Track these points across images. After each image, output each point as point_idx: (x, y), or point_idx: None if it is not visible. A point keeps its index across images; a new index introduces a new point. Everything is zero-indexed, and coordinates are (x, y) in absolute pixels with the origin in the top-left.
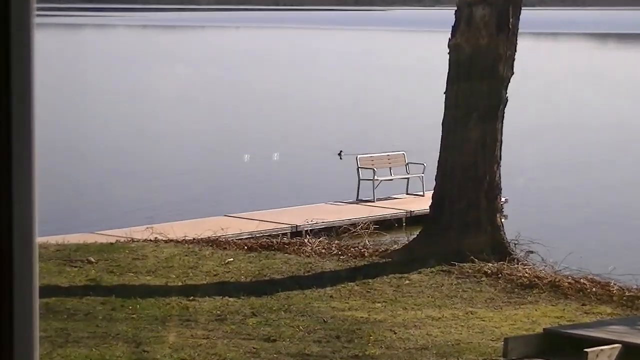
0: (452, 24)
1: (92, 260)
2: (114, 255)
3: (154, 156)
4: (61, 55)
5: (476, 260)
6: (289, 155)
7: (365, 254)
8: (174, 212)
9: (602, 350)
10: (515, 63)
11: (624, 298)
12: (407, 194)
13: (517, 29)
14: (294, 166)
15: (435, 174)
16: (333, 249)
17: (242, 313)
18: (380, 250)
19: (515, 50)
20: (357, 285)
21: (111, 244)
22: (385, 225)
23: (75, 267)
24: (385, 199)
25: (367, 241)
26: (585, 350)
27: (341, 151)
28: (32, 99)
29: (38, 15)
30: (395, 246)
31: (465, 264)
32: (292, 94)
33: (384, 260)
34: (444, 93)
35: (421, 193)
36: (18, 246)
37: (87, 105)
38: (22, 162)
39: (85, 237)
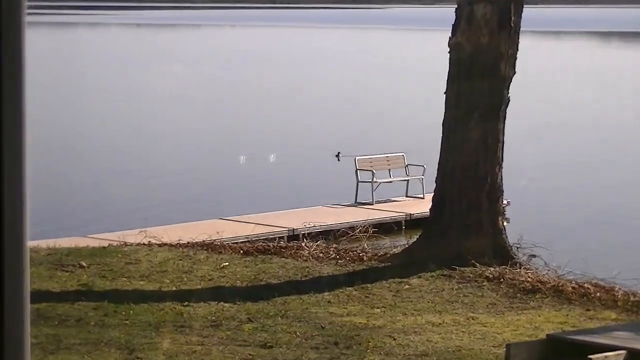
0: (453, 22)
1: (84, 264)
2: (106, 260)
3: (148, 157)
4: (53, 55)
5: (477, 264)
6: (285, 157)
7: (364, 258)
8: (168, 214)
9: (606, 356)
10: (517, 62)
11: (629, 303)
12: (407, 196)
13: (519, 27)
14: (291, 168)
15: (436, 175)
16: (331, 253)
17: (238, 319)
18: (379, 254)
19: (517, 49)
20: (356, 290)
21: (103, 248)
22: (384, 228)
23: (67, 271)
24: (385, 201)
25: (365, 245)
26: (590, 356)
27: (339, 152)
28: (22, 100)
29: (28, 14)
30: (395, 250)
31: (466, 268)
32: (289, 93)
33: (383, 264)
34: (444, 93)
35: (421, 195)
36: (9, 250)
37: (80, 105)
38: (13, 164)
39: (77, 241)
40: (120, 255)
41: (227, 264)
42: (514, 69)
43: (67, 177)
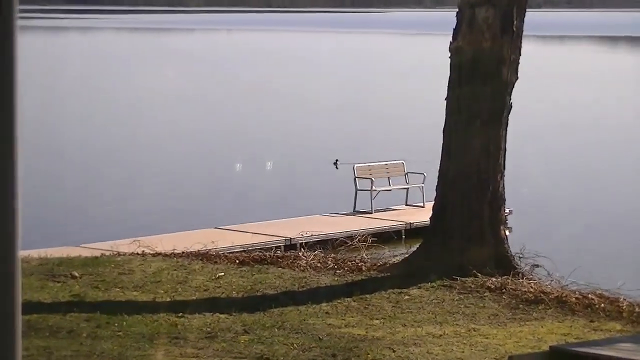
0: (454, 26)
1: (76, 274)
2: (99, 270)
3: (142, 163)
4: (46, 60)
5: (479, 274)
6: (282, 164)
7: (363, 268)
8: (162, 223)
9: None
10: (520, 67)
11: (634, 314)
12: (407, 205)
13: (522, 31)
14: (288, 175)
15: (436, 183)
16: (329, 262)
17: (234, 330)
18: (379, 264)
19: (520, 54)
20: (354, 301)
21: (96, 257)
22: (383, 237)
23: (59, 282)
24: (384, 210)
25: (364, 255)
26: None
27: (337, 160)
28: (15, 106)
29: (20, 18)
30: (394, 260)
31: (467, 279)
32: (286, 99)
33: (383, 274)
34: (445, 99)
35: (421, 204)
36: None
37: (73, 110)
38: (4, 173)
39: (68, 251)
40: (113, 265)
41: (222, 274)
42: (517, 74)
43: (58, 185)
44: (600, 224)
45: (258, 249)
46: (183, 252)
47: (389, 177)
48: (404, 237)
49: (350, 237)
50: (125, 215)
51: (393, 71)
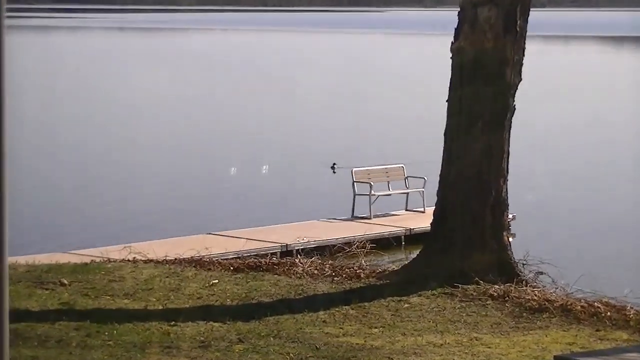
0: (455, 26)
1: (65, 282)
2: (88, 277)
3: (132, 167)
4: (33, 60)
5: (481, 281)
6: (278, 168)
7: (361, 275)
8: (154, 229)
9: None
10: (523, 68)
11: None
12: (407, 210)
13: (525, 31)
14: (284, 179)
15: (437, 188)
16: (326, 269)
17: (228, 339)
18: (378, 271)
19: (523, 55)
20: (353, 309)
21: (85, 264)
22: (382, 244)
23: (47, 289)
24: (383, 215)
25: (363, 261)
26: None
27: (335, 164)
28: (2, 110)
29: (7, 17)
30: (394, 267)
31: (469, 286)
32: (282, 100)
33: (382, 282)
34: (446, 100)
35: (421, 209)
36: None
37: (61, 112)
38: None
39: (57, 257)
40: (103, 272)
41: (216, 281)
42: (520, 75)
43: (45, 189)
44: (607, 229)
45: (253, 255)
46: (175, 259)
47: (388, 182)
48: (403, 243)
49: (349, 244)
50: (116, 220)
51: (392, 72)
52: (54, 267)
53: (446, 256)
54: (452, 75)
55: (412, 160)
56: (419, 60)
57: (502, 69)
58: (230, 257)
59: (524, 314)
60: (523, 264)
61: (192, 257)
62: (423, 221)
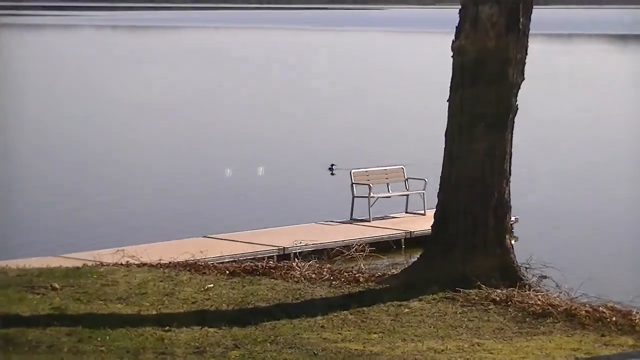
0: (456, 24)
1: (57, 286)
2: (80, 281)
3: (126, 168)
4: (22, 59)
5: (483, 286)
6: (275, 169)
7: (360, 280)
8: (148, 232)
9: None
10: (526, 67)
11: None
12: (407, 212)
13: (528, 29)
14: (281, 181)
15: (438, 190)
16: (324, 273)
17: (224, 345)
18: (377, 275)
19: (526, 53)
20: (351, 314)
21: (78, 268)
22: (382, 247)
23: (38, 294)
24: (382, 218)
25: (362, 265)
26: None
27: (333, 165)
28: None
29: None
30: (394, 270)
31: (471, 291)
32: (278, 100)
33: (381, 286)
34: (447, 101)
35: (422, 212)
36: None
37: (52, 112)
38: None
39: (49, 261)
40: (95, 276)
41: (212, 285)
42: (523, 74)
43: (36, 190)
44: (612, 232)
45: (249, 259)
46: (170, 263)
47: (388, 183)
48: (403, 246)
49: (347, 247)
50: (109, 223)
51: (392, 71)
52: (45, 271)
53: (447, 260)
54: (453, 74)
55: (412, 161)
56: (419, 59)
57: (505, 68)
58: (226, 260)
59: (527, 319)
60: (526, 268)
61: (187, 260)
62: (423, 224)
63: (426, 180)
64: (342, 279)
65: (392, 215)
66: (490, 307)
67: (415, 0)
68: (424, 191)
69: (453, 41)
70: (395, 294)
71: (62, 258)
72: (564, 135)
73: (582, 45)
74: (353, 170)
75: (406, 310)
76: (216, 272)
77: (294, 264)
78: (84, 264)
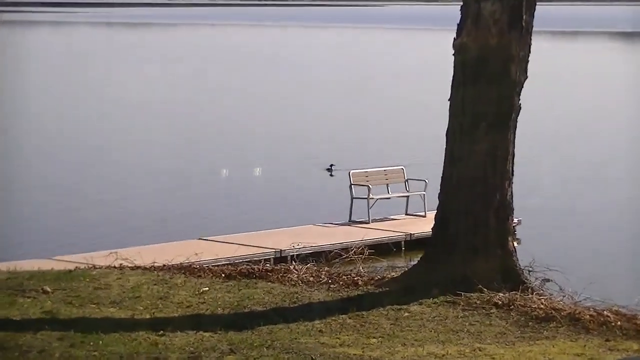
0: (458, 21)
1: (48, 289)
2: (72, 284)
3: (119, 169)
4: (14, 57)
5: (485, 289)
6: (272, 170)
7: (359, 283)
8: (142, 234)
9: None
10: (529, 65)
11: None
12: (407, 214)
13: (532, 26)
14: (278, 182)
15: (439, 191)
16: (322, 276)
17: (219, 350)
18: (376, 279)
19: (529, 51)
20: (350, 318)
21: (70, 271)
22: (381, 249)
23: (29, 297)
24: (382, 220)
25: (361, 268)
26: None
27: (332, 165)
28: None
29: None
30: (393, 274)
31: (472, 294)
32: (276, 99)
33: (380, 289)
34: (449, 99)
35: (422, 213)
36: None
37: (43, 112)
38: None
39: (40, 264)
40: (88, 280)
41: (207, 289)
42: (526, 73)
43: (28, 192)
44: (617, 235)
45: (246, 261)
46: (164, 265)
47: (387, 184)
48: (403, 249)
49: (346, 249)
50: (101, 224)
51: (392, 69)
52: (36, 274)
53: (448, 262)
54: (454, 73)
55: (412, 162)
56: (420, 57)
57: (507, 66)
58: (222, 263)
59: (530, 323)
60: (529, 271)
61: (181, 263)
62: (424, 226)
63: (426, 181)
64: (341, 282)
65: (391, 217)
66: (492, 311)
67: None
68: (424, 192)
69: (454, 39)
70: (395, 297)
71: (53, 260)
72: (567, 134)
73: (587, 43)
74: (352, 171)
75: (406, 314)
76: (211, 275)
77: (292, 266)
78: (76, 267)
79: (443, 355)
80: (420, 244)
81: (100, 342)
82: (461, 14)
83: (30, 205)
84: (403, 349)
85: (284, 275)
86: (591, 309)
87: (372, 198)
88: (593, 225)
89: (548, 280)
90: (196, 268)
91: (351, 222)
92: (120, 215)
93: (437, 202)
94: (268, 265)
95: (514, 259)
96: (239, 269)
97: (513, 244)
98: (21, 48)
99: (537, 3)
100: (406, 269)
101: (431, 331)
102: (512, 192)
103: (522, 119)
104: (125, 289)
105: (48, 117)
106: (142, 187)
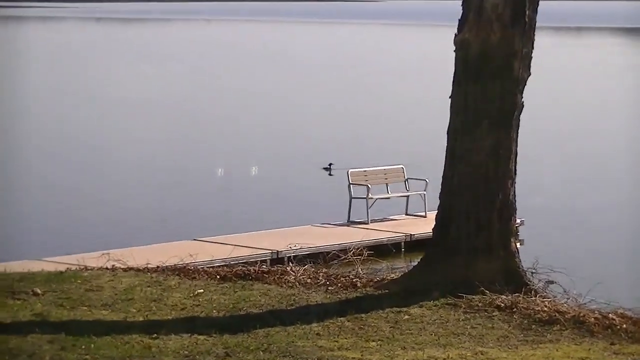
0: (459, 17)
1: (39, 291)
2: (63, 286)
3: (111, 167)
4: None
5: (487, 291)
6: (269, 169)
7: (358, 285)
8: (134, 234)
9: None
10: (533, 62)
11: None
12: (407, 214)
13: (535, 22)
14: (275, 182)
15: (439, 191)
16: (320, 278)
17: (214, 353)
18: (375, 280)
19: (533, 47)
20: (349, 321)
21: (61, 272)
22: (381, 251)
23: (19, 299)
24: (381, 220)
25: (360, 270)
26: None
27: (330, 164)
28: None
29: None
30: (393, 275)
31: (474, 296)
32: (273, 97)
33: (380, 291)
34: (450, 97)
35: (423, 213)
36: None
37: (31, 110)
38: None
39: (30, 265)
40: (79, 281)
41: (201, 291)
42: (529, 69)
43: (17, 192)
44: (622, 235)
45: (241, 263)
46: (158, 267)
47: (387, 184)
48: (403, 250)
49: (344, 250)
50: (93, 225)
51: (391, 66)
52: (26, 275)
53: (449, 264)
54: (455, 69)
55: (412, 161)
56: (420, 54)
57: (510, 62)
58: (217, 264)
59: (533, 326)
60: (532, 273)
61: (175, 264)
62: (424, 226)
63: (427, 180)
64: (339, 284)
65: (391, 217)
66: (494, 313)
67: None
68: (424, 192)
69: (456, 34)
70: (395, 299)
71: (44, 262)
72: (571, 132)
73: (591, 39)
74: (350, 170)
75: (406, 317)
76: (206, 276)
77: (289, 268)
78: (67, 268)
79: (444, 359)
80: (420, 245)
81: (92, 345)
82: (462, 8)
83: (19, 205)
84: (403, 352)
85: (281, 276)
86: (596, 312)
87: (371, 198)
88: (598, 225)
89: (552, 282)
90: (191, 269)
91: (350, 223)
92: (112, 215)
93: (437, 202)
94: (264, 266)
95: (516, 260)
96: (234, 270)
97: (516, 245)
98: (10, 44)
99: None
100: (406, 270)
101: (432, 334)
102: (514, 192)
103: (524, 117)
104: (117, 290)
105: (39, 116)
106: (135, 186)
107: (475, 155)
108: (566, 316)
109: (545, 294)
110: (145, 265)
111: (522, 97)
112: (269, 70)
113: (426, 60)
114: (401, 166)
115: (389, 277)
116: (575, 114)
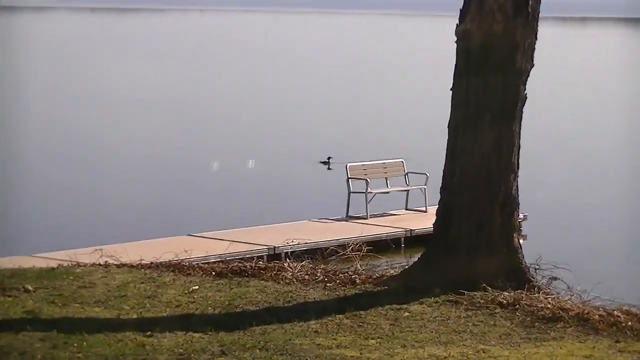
0: (461, 7)
1: (30, 288)
2: (55, 283)
3: (104, 162)
4: None
5: (489, 288)
6: (266, 163)
7: (357, 281)
8: (128, 230)
9: None
10: (536, 53)
11: None
12: (407, 209)
13: (538, 12)
14: (272, 176)
15: (440, 185)
16: (318, 275)
17: (210, 351)
18: (375, 277)
19: (536, 38)
20: (347, 318)
21: (52, 269)
22: (380, 246)
23: (10, 296)
24: (381, 215)
25: (358, 266)
26: None
27: (329, 158)
28: None
29: None
30: (393, 272)
31: (475, 293)
32: (270, 90)
33: (379, 288)
34: (451, 89)
35: (423, 208)
36: None
37: (23, 105)
38: None
39: (21, 261)
40: (71, 278)
41: (197, 287)
42: (532, 61)
43: (8, 187)
44: (627, 231)
45: (237, 259)
46: (152, 263)
47: (386, 178)
48: (403, 245)
49: (343, 246)
50: (86, 220)
51: (391, 58)
52: (17, 272)
53: (450, 260)
54: (457, 61)
55: (412, 154)
56: (421, 45)
57: (513, 54)
58: (213, 261)
59: (536, 324)
60: (535, 269)
61: (170, 260)
62: (425, 221)
63: (428, 174)
64: (337, 281)
65: (391, 212)
66: (496, 310)
67: None
68: (425, 186)
69: (457, 25)
70: (395, 296)
71: (35, 258)
72: (575, 125)
73: (595, 29)
74: (349, 164)
75: (406, 314)
76: (202, 273)
77: (286, 264)
78: (59, 265)
79: (445, 357)
80: (420, 241)
81: (85, 343)
82: None
83: (9, 200)
84: (403, 350)
85: (278, 273)
86: (600, 309)
87: (371, 192)
88: (602, 220)
89: (555, 279)
90: (185, 266)
91: (348, 218)
92: (105, 210)
93: (438, 196)
94: (261, 262)
95: (519, 257)
96: (230, 266)
97: (518, 241)
98: (2, 35)
99: None
100: (406, 266)
101: (432, 332)
102: (517, 186)
103: (527, 110)
104: (110, 287)
105: (30, 109)
106: (129, 181)
107: (477, 148)
108: (570, 313)
109: (548, 290)
110: (139, 262)
111: (525, 89)
112: (266, 62)
113: (427, 52)
114: (401, 160)
115: (388, 274)
116: (580, 105)
